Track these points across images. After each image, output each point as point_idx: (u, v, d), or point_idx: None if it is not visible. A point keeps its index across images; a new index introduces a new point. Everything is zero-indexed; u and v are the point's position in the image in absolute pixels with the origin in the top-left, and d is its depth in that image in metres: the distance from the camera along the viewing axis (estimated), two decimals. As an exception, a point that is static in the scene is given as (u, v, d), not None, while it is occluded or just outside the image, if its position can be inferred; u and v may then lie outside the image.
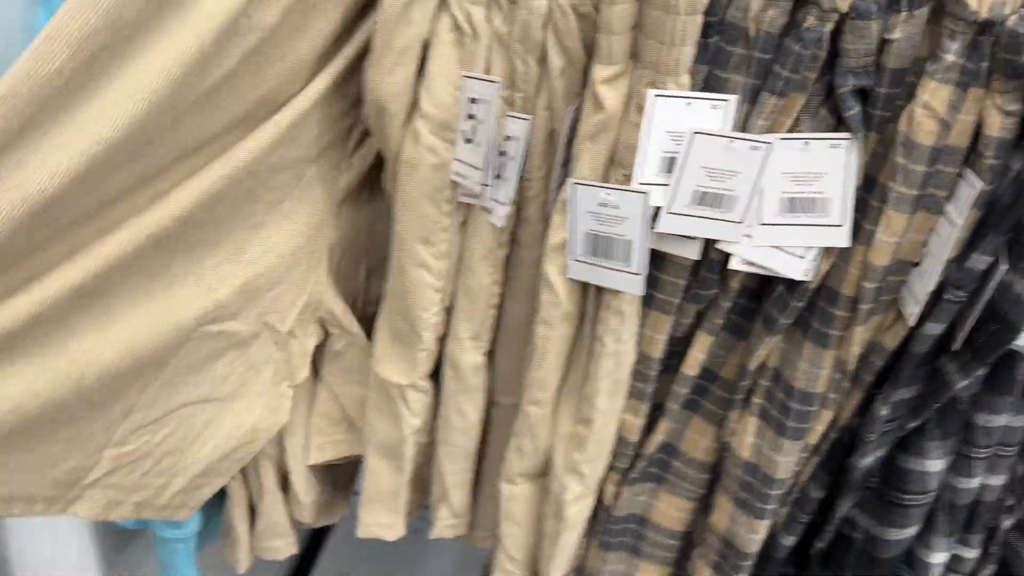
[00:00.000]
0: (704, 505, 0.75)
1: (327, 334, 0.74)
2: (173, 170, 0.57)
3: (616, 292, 0.60)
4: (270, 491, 0.81)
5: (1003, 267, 0.52)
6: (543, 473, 0.71)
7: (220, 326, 0.65)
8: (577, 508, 0.69)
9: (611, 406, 0.65)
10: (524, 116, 0.59)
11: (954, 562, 0.70)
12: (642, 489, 0.75)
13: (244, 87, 0.56)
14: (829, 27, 0.50)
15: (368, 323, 0.76)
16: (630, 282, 0.58)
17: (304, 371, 0.74)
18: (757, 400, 0.66)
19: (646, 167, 0.55)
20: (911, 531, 0.67)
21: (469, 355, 0.69)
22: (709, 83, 0.54)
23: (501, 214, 0.62)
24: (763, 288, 0.62)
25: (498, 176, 0.61)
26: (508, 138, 0.60)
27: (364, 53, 0.62)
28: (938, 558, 0.69)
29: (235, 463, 0.73)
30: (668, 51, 0.52)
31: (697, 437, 0.72)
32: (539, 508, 0.73)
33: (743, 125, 0.54)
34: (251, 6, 0.52)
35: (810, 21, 0.50)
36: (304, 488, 0.82)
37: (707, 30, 0.52)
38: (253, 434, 0.72)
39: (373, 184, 0.73)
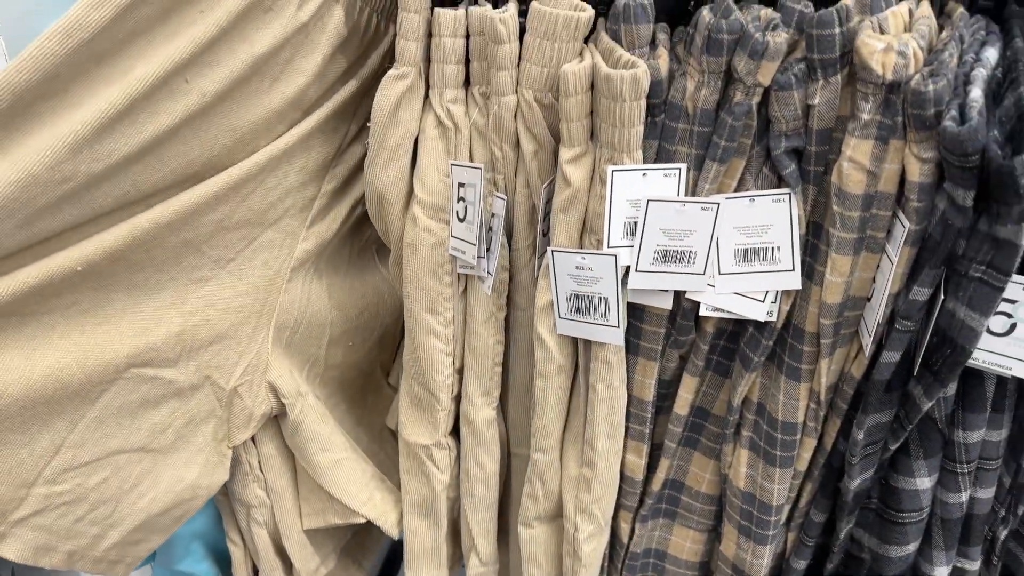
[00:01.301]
0: (717, 535, 0.79)
1: (282, 405, 0.75)
2: (111, 216, 0.59)
3: (601, 344, 0.65)
4: (266, 559, 0.84)
5: (941, 297, 0.57)
6: (557, 515, 0.76)
7: (155, 371, 0.66)
8: (591, 547, 0.74)
9: (611, 448, 0.70)
10: (502, 196, 0.66)
11: (958, 575, 0.73)
12: (655, 525, 0.80)
13: (189, 148, 0.60)
14: (756, 100, 0.57)
15: (328, 387, 0.80)
16: (611, 334, 0.64)
17: (244, 434, 0.74)
18: (746, 433, 0.71)
19: (613, 232, 0.61)
20: (911, 547, 0.70)
21: (481, 411, 0.75)
22: (660, 155, 0.60)
23: (489, 284, 0.68)
24: (738, 330, 0.68)
25: (488, 249, 0.68)
26: (493, 215, 0.67)
27: (322, 131, 0.68)
28: (941, 572, 0.71)
29: (174, 521, 0.72)
30: (621, 132, 0.58)
31: (700, 472, 0.76)
32: (557, 548, 0.77)
33: (693, 189, 0.60)
34: (189, 72, 0.57)
35: (738, 97, 0.57)
36: (300, 556, 0.84)
37: (653, 110, 0.59)
38: (193, 491, 0.72)
39: (336, 258, 0.77)
